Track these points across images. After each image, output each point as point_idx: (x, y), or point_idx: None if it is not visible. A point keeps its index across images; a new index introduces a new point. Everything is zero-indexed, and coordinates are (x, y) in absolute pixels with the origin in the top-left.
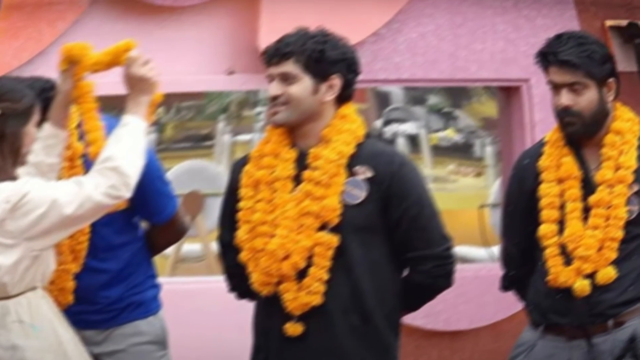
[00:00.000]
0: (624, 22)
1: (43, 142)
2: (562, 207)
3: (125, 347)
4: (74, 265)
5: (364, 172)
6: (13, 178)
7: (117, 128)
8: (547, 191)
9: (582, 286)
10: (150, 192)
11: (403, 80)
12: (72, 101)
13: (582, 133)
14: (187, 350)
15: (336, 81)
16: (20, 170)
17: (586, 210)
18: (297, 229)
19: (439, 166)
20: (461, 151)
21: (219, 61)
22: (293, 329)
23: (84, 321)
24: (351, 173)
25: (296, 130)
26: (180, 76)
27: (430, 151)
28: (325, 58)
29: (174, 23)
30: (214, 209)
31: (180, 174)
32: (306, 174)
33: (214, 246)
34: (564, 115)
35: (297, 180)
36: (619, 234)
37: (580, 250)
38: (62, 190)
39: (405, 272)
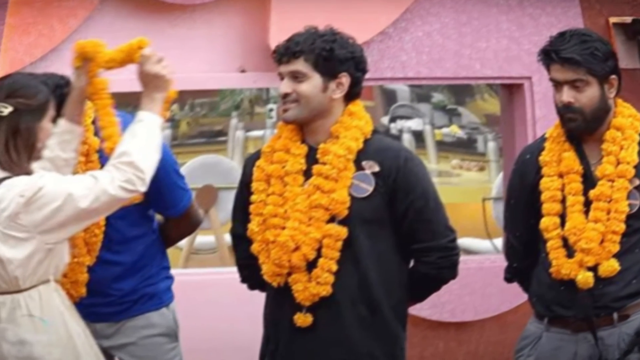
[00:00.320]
0: (628, 19)
1: (58, 137)
2: (563, 201)
3: (135, 340)
4: (88, 258)
5: (371, 167)
6: (28, 172)
7: (132, 124)
8: (548, 185)
9: (585, 278)
10: (165, 186)
11: (409, 78)
12: (87, 97)
13: (583, 129)
14: (198, 341)
15: (345, 79)
16: (35, 165)
17: (587, 205)
18: (307, 221)
19: (443, 161)
20: (464, 146)
21: (231, 59)
22: (302, 319)
23: (95, 314)
24: (359, 167)
25: (306, 126)
26: (193, 74)
27: (435, 146)
28: (334, 57)
29: (186, 21)
30: (227, 202)
31: (194, 169)
32: (316, 168)
33: (227, 238)
34: (565, 111)
35: (307, 174)
36: (621, 227)
37: (582, 243)
38: (77, 184)
39: (411, 264)
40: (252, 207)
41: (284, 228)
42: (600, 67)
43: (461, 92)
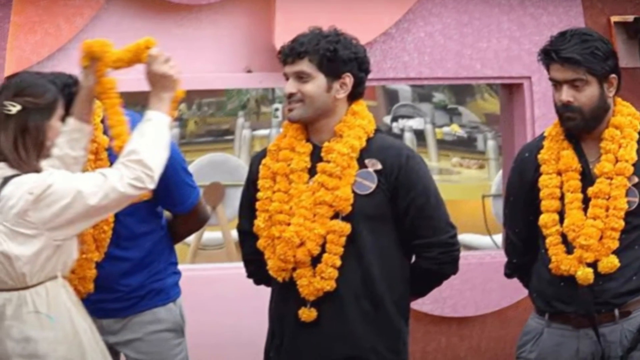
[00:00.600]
0: (630, 18)
1: (68, 135)
2: (561, 198)
3: (142, 335)
4: (97, 254)
5: (373, 165)
6: (37, 170)
7: (140, 123)
8: (547, 182)
9: (585, 274)
10: (173, 183)
11: (410, 79)
12: (96, 97)
13: (582, 128)
14: (204, 336)
15: (348, 79)
16: (44, 163)
17: (585, 202)
18: (312, 218)
19: (444, 159)
20: (465, 145)
21: (237, 60)
22: (307, 314)
23: (102, 310)
24: (362, 165)
25: (311, 125)
26: (200, 74)
27: (436, 145)
28: (337, 57)
29: (192, 21)
30: (233, 199)
31: (202, 166)
32: (320, 166)
33: (234, 234)
34: (564, 110)
35: (312, 172)
36: (620, 224)
37: (581, 239)
38: (86, 181)
39: (413, 259)
40: (258, 204)
41: (289, 224)
42: (600, 67)
43: (462, 91)
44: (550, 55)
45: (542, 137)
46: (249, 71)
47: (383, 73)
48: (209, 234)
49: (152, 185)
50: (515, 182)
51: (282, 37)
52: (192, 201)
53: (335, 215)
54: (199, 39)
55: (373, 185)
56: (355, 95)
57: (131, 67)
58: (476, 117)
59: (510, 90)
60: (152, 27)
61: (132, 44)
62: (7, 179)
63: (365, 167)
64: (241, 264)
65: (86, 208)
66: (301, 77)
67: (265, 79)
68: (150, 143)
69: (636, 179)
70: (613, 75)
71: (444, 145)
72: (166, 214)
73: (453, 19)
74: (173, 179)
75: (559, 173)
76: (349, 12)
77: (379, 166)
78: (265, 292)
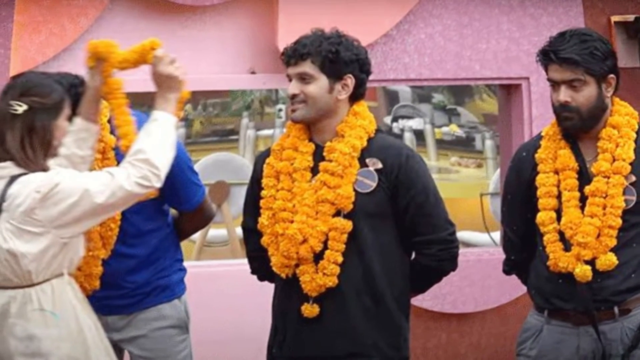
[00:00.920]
0: (630, 17)
1: (75, 135)
2: (558, 196)
3: (146, 332)
4: (104, 251)
5: (374, 164)
6: (44, 169)
7: (147, 123)
8: (544, 181)
9: (583, 271)
10: (179, 182)
11: (411, 80)
12: (102, 97)
13: (579, 127)
14: (208, 333)
15: (350, 80)
16: (52, 162)
17: (582, 201)
18: (314, 215)
19: (443, 158)
20: (463, 144)
21: (241, 61)
22: (309, 310)
23: (108, 306)
24: (363, 164)
25: (313, 125)
26: (204, 75)
27: (435, 145)
28: (339, 59)
29: (197, 23)
30: (238, 197)
31: (208, 166)
32: (322, 165)
33: (238, 231)
34: (561, 110)
35: (315, 171)
36: (617, 222)
37: (578, 237)
38: (94, 180)
39: (413, 256)
40: (262, 202)
41: (292, 222)
42: (599, 67)
43: (460, 92)
44: (548, 55)
45: (539, 137)
46: (253, 72)
47: (384, 74)
48: (214, 232)
49: (158, 184)
50: (512, 180)
51: (285, 39)
52: (198, 199)
53: (337, 213)
54: (203, 40)
55: (374, 184)
56: (356, 96)
57: (137, 68)
58: (474, 117)
59: (509, 91)
60: (156, 28)
61: (137, 45)
62: (13, 178)
63: (366, 166)
64: (245, 261)
65: (93, 206)
66: (304, 78)
67: (269, 80)
68: (157, 142)
69: (633, 178)
70: (611, 76)
71: (442, 144)
72: (172, 211)
73: (453, 20)
74: (179, 178)
75: (556, 172)
76: (351, 14)
77: (380, 165)
78: (269, 288)
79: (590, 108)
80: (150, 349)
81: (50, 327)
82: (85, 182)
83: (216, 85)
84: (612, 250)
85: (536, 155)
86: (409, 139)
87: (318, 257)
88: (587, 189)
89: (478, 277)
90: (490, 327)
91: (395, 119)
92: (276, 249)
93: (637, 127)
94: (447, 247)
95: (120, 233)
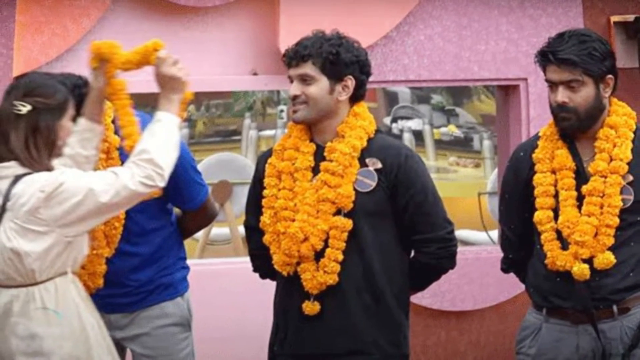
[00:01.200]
0: (630, 17)
1: (79, 135)
2: (556, 196)
3: (149, 330)
4: (107, 250)
5: (374, 164)
6: (49, 169)
7: (151, 124)
8: (542, 180)
9: (581, 270)
10: (183, 181)
11: (410, 81)
12: (106, 98)
13: (577, 128)
14: (210, 330)
15: (350, 82)
16: (56, 162)
17: (580, 200)
18: (315, 214)
19: (441, 158)
20: (461, 145)
21: (243, 62)
22: (310, 307)
23: (111, 304)
24: (363, 164)
25: (314, 126)
26: (207, 76)
27: (434, 145)
28: (340, 60)
29: (199, 24)
30: (241, 197)
31: (211, 165)
32: (323, 165)
33: (241, 230)
34: (559, 111)
35: (315, 170)
36: (614, 221)
37: (576, 235)
38: (98, 179)
39: (412, 254)
40: (264, 201)
41: (293, 220)
42: (597, 67)
43: (459, 93)
44: (547, 56)
45: (536, 137)
46: (255, 74)
47: (383, 76)
48: (217, 230)
49: (162, 184)
50: (510, 180)
51: (287, 40)
52: (201, 198)
53: (338, 212)
54: (206, 41)
55: (373, 183)
56: (356, 97)
57: (140, 69)
58: (472, 118)
59: (507, 92)
60: (159, 30)
61: (140, 46)
62: (18, 177)
63: (366, 166)
64: (248, 259)
65: (98, 205)
66: (305, 79)
67: (271, 81)
68: (161, 143)
69: (631, 178)
70: (610, 76)
71: (441, 145)
72: (176, 210)
73: (452, 22)
74: (183, 177)
75: (553, 171)
76: (351, 15)
77: (379, 165)
78: (271, 286)
79: (587, 108)
80: (152, 347)
81: (52, 326)
82: (89, 181)
83: (218, 86)
84: (610, 249)
85: (533, 155)
86: (408, 139)
87: (319, 255)
88: (584, 189)
89: (476, 275)
90: (489, 324)
91: (394, 120)
92: (278, 247)
93: (634, 127)
94: (445, 246)
95: (124, 232)
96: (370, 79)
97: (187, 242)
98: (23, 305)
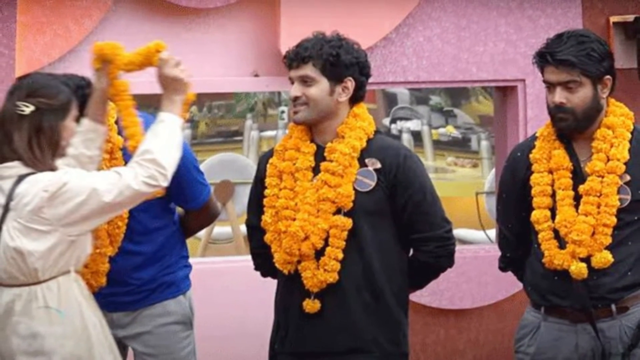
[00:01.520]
0: (630, 17)
1: (83, 136)
2: (553, 195)
3: (151, 329)
4: (110, 248)
5: (373, 164)
6: (52, 169)
7: (154, 124)
8: (539, 180)
9: (578, 269)
10: (185, 181)
11: (409, 82)
12: (109, 98)
13: (574, 128)
14: (212, 328)
15: (350, 83)
16: (59, 162)
17: (577, 200)
18: (316, 213)
19: (439, 158)
20: (459, 145)
21: (245, 64)
22: (311, 306)
23: (114, 303)
24: (363, 164)
25: (315, 127)
26: (209, 78)
27: (432, 145)
28: (340, 62)
29: (201, 26)
30: (242, 196)
31: (213, 165)
32: (323, 165)
33: (242, 229)
34: (556, 111)
35: (316, 170)
36: (611, 220)
37: (573, 234)
38: (102, 179)
39: (411, 253)
40: (265, 201)
41: (294, 219)
42: (595, 68)
43: (457, 94)
44: (545, 57)
45: (534, 137)
46: (256, 75)
47: (383, 77)
48: (219, 229)
49: (165, 183)
50: (507, 180)
51: (288, 42)
52: (204, 198)
53: (338, 211)
54: (207, 43)
55: (373, 183)
56: (356, 98)
57: (143, 70)
58: (470, 118)
59: (505, 93)
60: (161, 31)
61: (142, 47)
62: (21, 177)
63: (366, 166)
64: (249, 257)
65: (101, 205)
66: (305, 81)
67: (272, 83)
68: (164, 143)
69: (628, 177)
70: (608, 77)
71: (439, 145)
72: (178, 209)
73: (451, 23)
74: (185, 177)
75: (550, 171)
76: (351, 17)
77: (379, 165)
78: (272, 284)
79: (585, 109)
80: (154, 346)
81: (54, 325)
82: (93, 181)
83: (220, 87)
84: (608, 248)
85: (531, 156)
86: (406, 139)
87: (319, 253)
88: (582, 188)
89: (474, 274)
90: (488, 323)
91: (393, 121)
92: (279, 246)
93: (632, 127)
94: (444, 244)
95: (127, 230)
96: (370, 80)
97: (190, 241)
98: (25, 304)
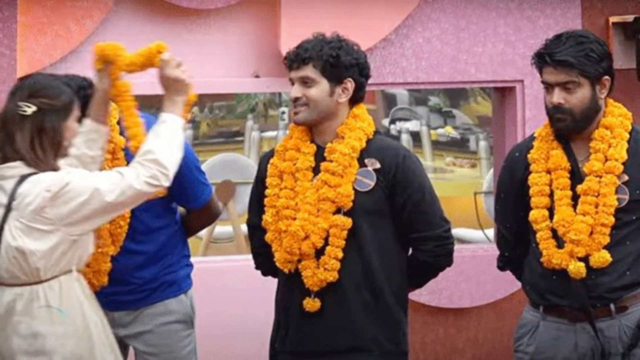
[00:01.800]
0: (630, 18)
1: (85, 136)
2: (551, 195)
3: (152, 328)
4: (113, 248)
5: (373, 164)
6: (55, 169)
7: (156, 125)
8: (537, 180)
9: (577, 268)
10: (187, 181)
11: (408, 83)
12: (111, 99)
13: (572, 129)
14: (213, 326)
15: (349, 84)
16: (62, 162)
17: (575, 200)
18: (316, 213)
19: (438, 159)
20: (458, 145)
21: (246, 65)
22: (311, 304)
23: (115, 302)
24: (362, 164)
25: (315, 127)
26: (210, 79)
27: (431, 146)
28: (340, 63)
29: (201, 27)
30: (243, 196)
31: (214, 166)
32: (324, 165)
33: (243, 228)
34: (554, 112)
35: (316, 170)
36: (609, 220)
37: (571, 234)
38: (104, 179)
39: (410, 252)
40: (266, 200)
41: (295, 219)
42: (594, 69)
43: (456, 95)
44: (543, 58)
45: (532, 138)
46: (257, 76)
47: (382, 78)
48: (220, 228)
49: (167, 183)
50: (505, 179)
51: (288, 43)
52: (205, 198)
53: (338, 211)
54: (208, 44)
55: (372, 183)
56: (356, 99)
57: (145, 71)
58: (469, 119)
59: (503, 93)
60: (162, 32)
61: (144, 48)
62: (23, 177)
63: (365, 166)
64: (250, 257)
65: (103, 205)
66: (306, 82)
67: (272, 83)
68: (165, 143)
69: (626, 177)
70: (606, 77)
71: (438, 145)
72: (180, 209)
73: (451, 24)
74: (187, 177)
75: (548, 171)
76: (351, 18)
77: (378, 165)
78: (272, 283)
79: (583, 110)
80: (155, 345)
81: (55, 324)
82: (95, 181)
83: (221, 88)
84: (606, 247)
85: (529, 156)
86: (405, 140)
87: (319, 253)
88: (579, 188)
89: (473, 273)
90: (487, 322)
91: (392, 121)
92: (279, 245)
93: (630, 127)
94: (442, 244)
95: (129, 230)
96: (369, 81)
97: (191, 240)
98: (27, 303)
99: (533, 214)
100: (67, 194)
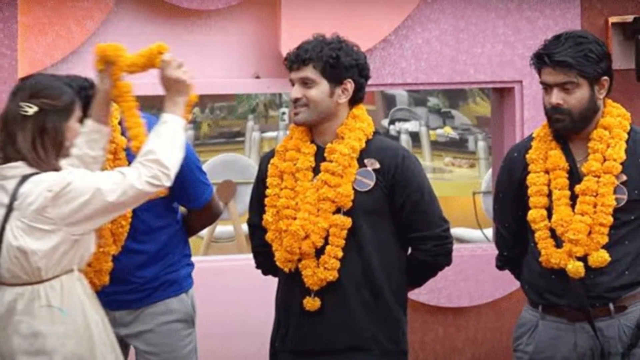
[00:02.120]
0: (629, 18)
1: (86, 136)
2: (549, 195)
3: (153, 327)
4: (114, 247)
5: (372, 164)
6: (56, 169)
7: (157, 125)
8: (535, 180)
9: (575, 268)
10: (188, 181)
11: (407, 84)
12: (112, 100)
13: (570, 129)
14: (214, 326)
15: (349, 85)
16: (63, 162)
17: (573, 200)
18: (316, 213)
19: (437, 159)
20: (457, 146)
21: (246, 66)
22: (311, 303)
23: (116, 301)
24: (362, 164)
25: (315, 128)
26: (211, 79)
27: (430, 146)
28: (340, 64)
29: (202, 28)
30: (244, 196)
31: (215, 166)
32: (323, 165)
33: (244, 228)
34: (553, 112)
35: (316, 171)
36: (608, 219)
37: (570, 234)
38: (105, 179)
39: (409, 252)
40: (267, 200)
41: (295, 218)
42: (593, 69)
43: (455, 96)
44: (542, 59)
45: (530, 138)
46: (258, 77)
47: (382, 79)
48: (221, 228)
49: (168, 183)
50: (504, 180)
51: (288, 44)
52: (206, 197)
53: (337, 211)
54: (209, 45)
55: (372, 183)
56: (355, 99)
57: (146, 72)
58: (468, 119)
59: (502, 94)
60: (163, 33)
61: (145, 49)
62: (25, 177)
63: (365, 166)
64: (251, 256)
65: (105, 204)
66: (306, 82)
67: (273, 84)
68: (167, 144)
69: (625, 177)
70: (605, 78)
71: (437, 146)
72: (181, 209)
73: (450, 25)
74: (188, 177)
75: (547, 171)
76: (351, 19)
77: (377, 165)
78: (273, 282)
79: (581, 110)
80: (155, 344)
81: (56, 324)
82: (97, 181)
83: (222, 89)
84: (605, 247)
85: (527, 156)
86: (405, 140)
87: (319, 252)
88: (578, 188)
89: (472, 272)
90: (486, 321)
91: (392, 122)
92: (280, 245)
93: (628, 128)
94: (441, 243)
95: (131, 229)
96: (369, 82)
97: (192, 240)
98: (28, 303)
99: (531, 214)
100: (69, 194)
